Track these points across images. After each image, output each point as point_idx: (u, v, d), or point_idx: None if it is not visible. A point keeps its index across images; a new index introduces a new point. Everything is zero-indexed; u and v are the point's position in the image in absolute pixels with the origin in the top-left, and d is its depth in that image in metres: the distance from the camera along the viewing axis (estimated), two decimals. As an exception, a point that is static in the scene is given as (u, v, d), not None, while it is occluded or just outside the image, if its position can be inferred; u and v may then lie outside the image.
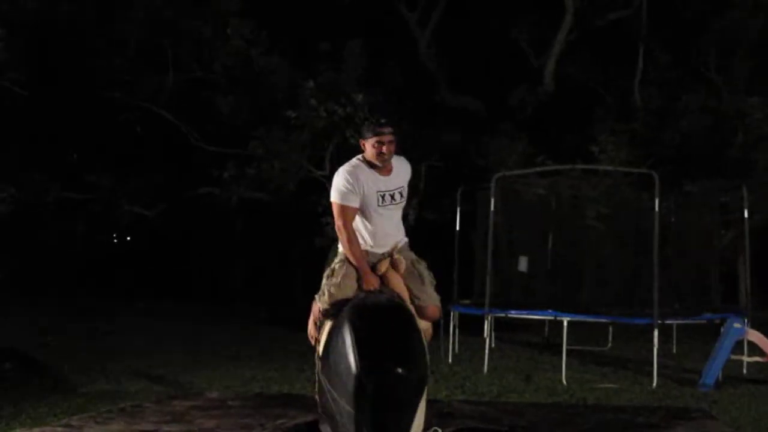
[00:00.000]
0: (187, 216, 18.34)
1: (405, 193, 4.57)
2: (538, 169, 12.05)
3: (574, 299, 10.50)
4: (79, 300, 17.92)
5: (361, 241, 4.47)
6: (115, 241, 26.32)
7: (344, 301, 4.24)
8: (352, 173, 4.38)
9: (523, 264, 11.30)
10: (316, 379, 4.31)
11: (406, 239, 4.70)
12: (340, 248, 4.53)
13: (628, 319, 9.84)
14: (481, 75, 15.96)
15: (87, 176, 14.27)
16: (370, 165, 4.41)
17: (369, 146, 4.39)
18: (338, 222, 4.42)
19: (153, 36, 13.37)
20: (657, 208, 9.06)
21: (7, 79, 12.48)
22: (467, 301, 10.85)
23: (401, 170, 4.57)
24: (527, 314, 10.06)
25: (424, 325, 4.50)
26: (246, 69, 13.65)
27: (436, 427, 4.15)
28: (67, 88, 13.76)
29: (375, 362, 3.63)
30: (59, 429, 4.99)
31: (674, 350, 11.04)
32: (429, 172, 14.17)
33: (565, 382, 8.64)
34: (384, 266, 4.50)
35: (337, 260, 4.51)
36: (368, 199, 4.41)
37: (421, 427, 3.92)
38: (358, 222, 4.49)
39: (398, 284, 4.50)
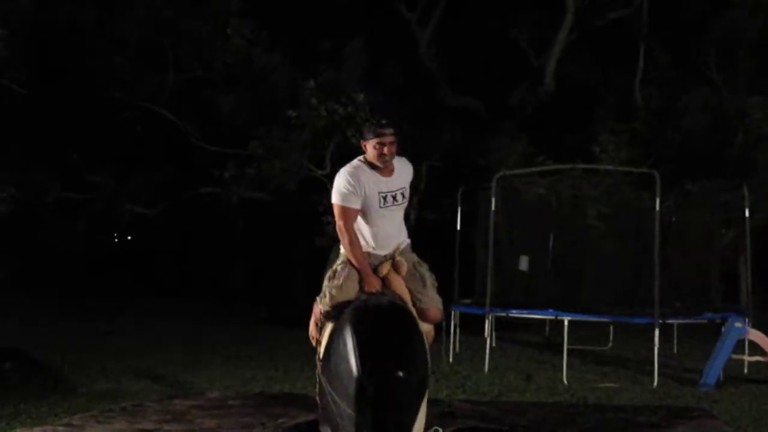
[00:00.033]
0: (188, 216, 18.35)
1: (407, 194, 4.55)
2: (538, 168, 12.05)
3: (574, 299, 10.49)
4: (80, 299, 17.91)
5: (362, 242, 4.45)
6: (116, 240, 26.33)
7: (345, 303, 4.21)
8: (353, 174, 4.36)
9: (523, 263, 11.30)
10: (317, 380, 4.30)
11: (408, 241, 4.67)
12: (342, 249, 4.50)
13: (629, 318, 9.84)
14: (482, 75, 15.95)
15: (87, 176, 14.28)
16: (372, 166, 4.39)
17: (370, 147, 4.37)
18: (339, 223, 4.39)
19: (153, 36, 13.37)
20: (658, 208, 9.05)
21: (7, 78, 12.48)
22: (468, 301, 10.85)
23: (403, 171, 4.55)
24: (528, 314, 10.06)
25: (426, 328, 4.48)
26: (246, 68, 13.65)
27: (436, 427, 4.14)
28: (67, 87, 13.77)
29: (376, 365, 3.61)
30: (60, 428, 5.00)
31: (675, 350, 11.03)
32: (429, 171, 14.18)
33: (566, 382, 8.64)
34: (386, 268, 4.48)
35: (338, 262, 4.48)
36: (370, 201, 4.39)
37: (422, 429, 3.91)
38: (359, 223, 4.46)
39: (400, 286, 4.48)
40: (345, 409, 3.66)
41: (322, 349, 4.31)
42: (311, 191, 13.60)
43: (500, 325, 11.20)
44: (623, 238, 11.44)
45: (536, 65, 16.05)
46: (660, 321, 8.92)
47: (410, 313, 4.29)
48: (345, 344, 3.73)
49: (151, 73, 13.66)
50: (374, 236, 4.49)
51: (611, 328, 11.76)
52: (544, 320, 11.01)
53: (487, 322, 9.63)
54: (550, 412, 5.96)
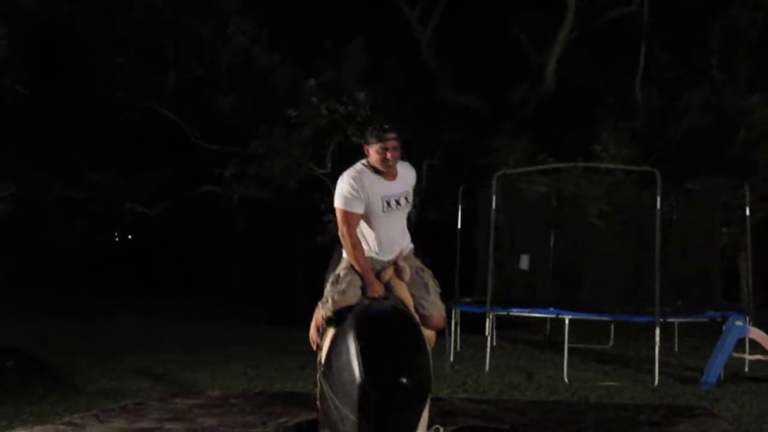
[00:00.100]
0: (189, 215, 18.35)
1: (410, 199, 4.50)
2: (539, 167, 12.05)
3: (575, 297, 10.50)
4: (80, 299, 17.93)
5: (365, 247, 4.41)
6: (117, 240, 26.35)
7: (348, 308, 4.16)
8: (356, 178, 4.31)
9: (524, 262, 11.30)
10: (318, 385, 4.29)
11: (411, 246, 4.64)
12: (344, 254, 4.46)
13: (630, 317, 9.84)
14: (483, 73, 15.93)
15: (88, 175, 14.29)
16: (375, 170, 4.34)
17: (373, 152, 4.32)
18: (342, 228, 4.34)
19: (154, 35, 13.37)
20: (658, 206, 9.06)
21: (8, 78, 12.48)
22: (469, 299, 10.85)
23: (406, 175, 4.50)
24: (529, 312, 10.07)
25: (428, 334, 4.43)
26: (247, 67, 13.66)
27: (437, 426, 4.13)
28: (68, 87, 13.78)
29: (379, 371, 3.58)
30: (61, 427, 4.99)
31: (676, 348, 11.03)
32: (430, 170, 14.17)
33: (566, 380, 8.64)
34: (388, 274, 4.45)
35: (342, 267, 4.43)
36: (373, 205, 4.34)
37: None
38: (362, 228, 4.41)
39: (403, 292, 4.45)
40: (347, 415, 3.63)
41: (323, 354, 4.27)
42: (312, 190, 13.60)
43: (501, 323, 11.20)
44: (624, 237, 11.45)
45: (537, 64, 16.04)
46: (661, 319, 8.93)
47: (413, 318, 4.24)
48: (348, 350, 3.70)
49: (152, 73, 13.66)
50: (377, 241, 4.44)
51: (612, 326, 11.77)
52: (544, 319, 11.01)
53: (487, 320, 9.63)
54: (551, 411, 5.96)
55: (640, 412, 5.84)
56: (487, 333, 9.62)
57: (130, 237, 26.47)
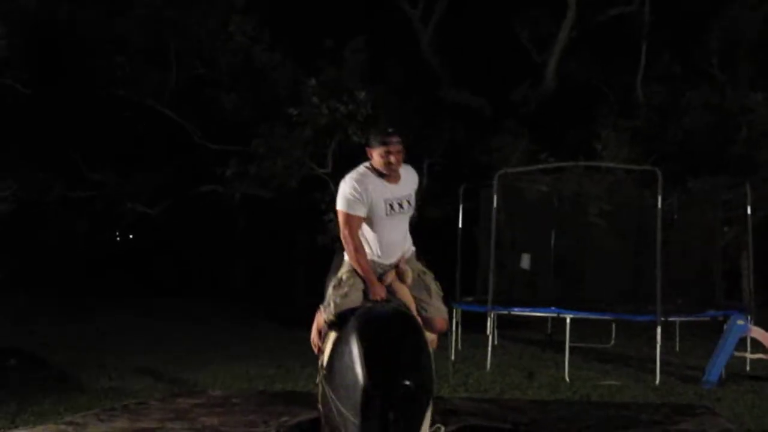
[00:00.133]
0: (190, 214, 18.35)
1: (412, 202, 4.49)
2: (540, 166, 12.05)
3: (576, 296, 10.50)
4: (82, 299, 17.91)
5: (367, 250, 4.39)
6: (118, 239, 26.36)
7: (350, 311, 4.14)
8: (359, 181, 4.29)
9: (525, 261, 11.30)
10: (320, 388, 4.28)
11: (413, 249, 4.63)
12: (346, 258, 4.44)
13: (631, 316, 9.83)
14: (484, 72, 15.94)
15: (89, 174, 14.30)
16: (378, 173, 4.33)
17: (376, 155, 4.30)
18: (344, 231, 4.32)
19: (154, 34, 13.38)
20: (660, 205, 9.05)
21: (9, 77, 12.49)
22: (470, 299, 10.85)
23: (408, 179, 4.49)
24: (530, 311, 10.07)
25: (430, 336, 4.43)
26: (248, 66, 13.66)
27: (439, 425, 4.12)
28: (69, 86, 13.78)
29: (383, 374, 3.57)
30: (63, 427, 4.99)
31: (677, 347, 11.02)
32: (431, 169, 14.17)
33: (568, 379, 8.64)
34: (390, 277, 4.44)
35: (344, 270, 4.41)
36: (376, 208, 4.32)
37: None
38: (364, 231, 4.40)
39: (405, 295, 4.44)
40: (349, 418, 3.61)
41: (325, 358, 4.26)
42: (313, 189, 13.60)
43: (502, 322, 11.20)
44: (625, 236, 11.45)
45: (538, 63, 16.05)
46: (662, 318, 8.92)
47: (415, 320, 4.22)
48: (350, 352, 3.68)
49: (153, 72, 13.67)
50: (379, 244, 4.43)
51: (613, 325, 11.76)
52: (546, 318, 11.00)
53: (489, 319, 9.63)
54: (553, 410, 5.95)
55: (642, 411, 5.84)
56: (488, 332, 9.62)
57: (131, 237, 26.47)
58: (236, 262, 22.26)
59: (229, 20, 13.27)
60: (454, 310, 10.24)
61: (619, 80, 15.52)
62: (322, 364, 4.32)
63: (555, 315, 9.74)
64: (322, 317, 4.41)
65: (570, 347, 9.09)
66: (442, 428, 4.39)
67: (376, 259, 4.43)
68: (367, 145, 4.38)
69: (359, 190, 4.27)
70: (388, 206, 4.35)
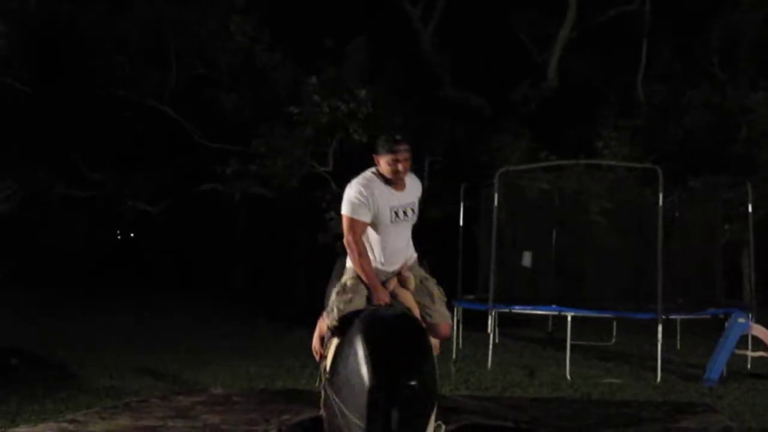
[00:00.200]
0: (191, 213, 18.36)
1: (416, 210, 4.50)
2: (541, 164, 12.04)
3: (577, 294, 10.48)
4: (83, 297, 17.93)
5: (371, 257, 4.38)
6: (119, 238, 26.38)
7: (353, 315, 4.13)
8: (366, 186, 4.29)
9: (526, 259, 11.29)
10: (322, 393, 4.28)
11: (415, 255, 4.63)
12: (349, 263, 4.44)
13: (632, 314, 9.82)
14: (484, 71, 15.95)
15: (90, 174, 14.31)
16: (385, 179, 4.33)
17: (384, 162, 4.29)
18: (348, 237, 4.31)
19: (155, 34, 13.38)
20: (661, 204, 9.04)
21: (9, 76, 12.49)
22: (471, 297, 10.84)
23: (413, 186, 4.50)
24: (531, 309, 10.06)
25: (434, 342, 4.41)
26: (248, 66, 13.66)
27: (439, 422, 4.12)
28: (69, 85, 13.79)
29: (388, 375, 3.56)
30: (64, 425, 4.99)
31: (678, 345, 11.02)
32: (432, 168, 14.18)
33: (569, 377, 8.64)
34: (393, 283, 4.44)
35: (347, 276, 4.40)
36: (381, 215, 4.32)
37: None
38: (369, 238, 4.39)
39: (408, 300, 4.44)
40: (354, 421, 3.61)
41: (328, 363, 4.25)
42: (314, 188, 13.61)
43: (503, 321, 11.20)
44: (626, 234, 11.44)
45: (538, 62, 16.05)
46: (663, 316, 8.91)
47: (419, 323, 4.24)
48: (355, 354, 3.67)
49: (153, 71, 13.67)
50: (383, 251, 4.42)
51: (614, 323, 11.76)
52: (547, 316, 11.01)
53: (490, 318, 9.63)
54: (554, 408, 5.96)
55: (643, 409, 5.85)
56: (489, 330, 9.61)
57: (132, 236, 26.50)
58: (237, 261, 22.28)
59: (229, 20, 13.28)
60: (456, 309, 10.21)
61: (619, 79, 15.52)
62: (324, 369, 4.31)
63: (556, 313, 9.74)
64: (324, 323, 4.41)
65: (571, 345, 9.09)
66: (443, 426, 4.39)
67: (379, 266, 4.43)
68: (374, 152, 4.36)
69: (365, 195, 4.27)
70: (393, 213, 4.36)
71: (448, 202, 12.97)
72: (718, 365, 8.58)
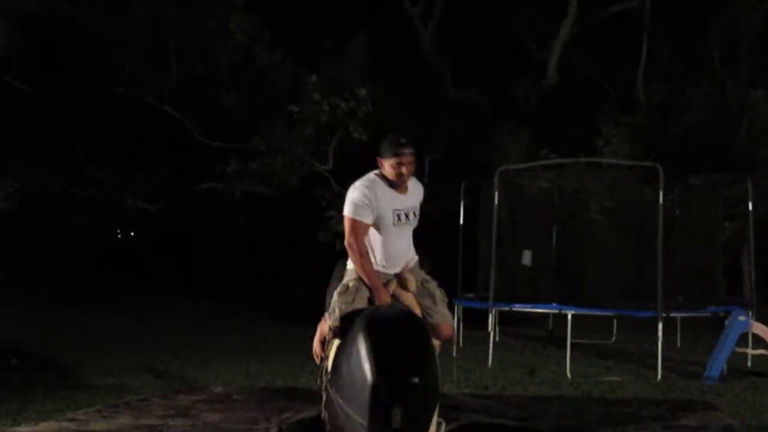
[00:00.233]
0: (191, 211, 18.36)
1: (417, 214, 4.52)
2: (541, 162, 12.04)
3: (578, 293, 10.48)
4: (83, 296, 17.94)
5: (372, 260, 4.39)
6: (119, 236, 26.38)
7: (355, 314, 4.11)
8: (370, 188, 4.30)
9: (527, 258, 11.29)
10: (324, 396, 4.28)
11: (416, 258, 4.65)
12: (350, 265, 4.45)
13: (632, 312, 9.82)
14: (484, 69, 15.94)
15: (90, 172, 14.31)
16: (388, 182, 4.34)
17: (388, 165, 4.30)
18: (349, 238, 4.31)
19: (155, 33, 13.38)
20: (661, 202, 9.04)
21: (9, 75, 12.49)
22: (471, 295, 10.84)
23: (415, 190, 4.52)
24: (531, 308, 10.06)
25: (435, 343, 4.43)
26: (248, 64, 13.66)
27: (440, 419, 4.11)
28: (70, 84, 13.79)
29: (391, 370, 3.56)
30: (65, 423, 4.99)
31: (678, 343, 11.02)
32: (432, 166, 14.17)
33: (569, 376, 8.64)
34: (393, 285, 4.45)
35: (349, 278, 4.41)
36: (384, 218, 4.34)
37: None
38: (371, 240, 4.40)
39: (410, 301, 4.45)
40: (357, 420, 3.60)
41: (329, 363, 4.25)
42: (314, 186, 13.61)
43: (504, 319, 11.20)
44: (626, 232, 11.43)
45: (539, 59, 16.03)
46: (663, 314, 8.91)
47: (421, 320, 4.25)
48: (358, 350, 3.65)
49: (153, 70, 13.67)
50: (384, 254, 4.43)
51: (615, 321, 11.76)
52: (547, 314, 11.01)
53: (490, 316, 9.63)
54: (554, 406, 5.95)
55: (643, 407, 5.84)
56: (489, 329, 9.62)
57: (132, 234, 26.50)
58: (237, 259, 22.28)
59: (229, 18, 13.27)
60: (456, 307, 10.22)
61: (620, 77, 15.51)
62: (326, 370, 4.30)
63: (556, 311, 9.74)
64: (326, 324, 4.41)
65: (571, 343, 9.08)
66: (443, 424, 4.39)
67: (380, 268, 4.43)
68: (378, 154, 4.36)
69: (369, 196, 4.28)
70: (396, 216, 4.37)
71: (448, 200, 12.98)
72: (718, 363, 8.58)
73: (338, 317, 4.22)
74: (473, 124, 14.72)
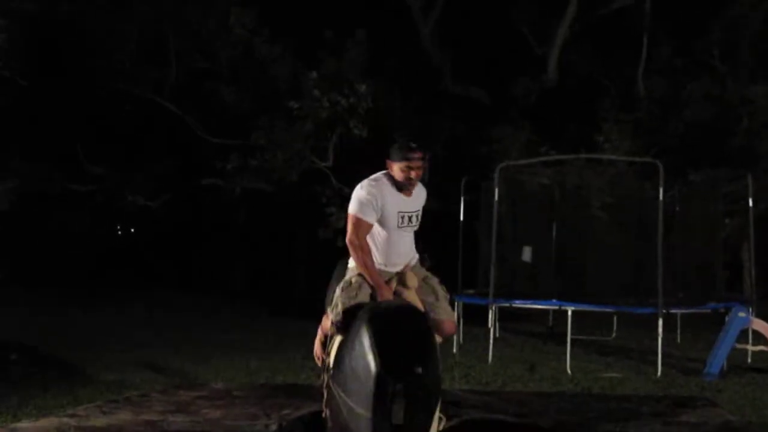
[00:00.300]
0: (191, 207, 18.36)
1: (420, 217, 4.56)
2: (542, 158, 12.03)
3: (578, 289, 10.49)
4: (83, 292, 17.94)
5: (373, 258, 4.42)
6: (119, 233, 26.39)
7: (357, 308, 4.15)
8: (377, 188, 4.34)
9: (527, 254, 11.29)
10: (325, 393, 4.28)
11: (417, 256, 4.67)
12: (351, 264, 4.48)
13: (633, 308, 9.83)
14: (485, 65, 15.92)
15: (90, 168, 14.30)
16: (395, 184, 4.37)
17: (397, 169, 4.33)
18: (351, 237, 4.35)
19: (155, 28, 13.36)
20: (661, 198, 9.04)
21: (8, 70, 12.47)
22: (471, 291, 10.85)
23: (420, 194, 4.56)
24: (531, 304, 10.06)
25: (437, 339, 4.45)
26: (248, 60, 13.63)
27: (440, 415, 4.12)
28: (70, 80, 13.77)
29: (395, 361, 3.57)
30: (65, 419, 5.00)
31: (678, 339, 11.03)
32: (432, 162, 14.15)
33: (569, 372, 8.65)
34: (395, 283, 4.47)
35: (353, 274, 4.44)
36: (389, 219, 4.38)
37: None
38: (373, 240, 4.43)
39: (412, 297, 4.47)
40: (361, 413, 3.59)
41: (331, 360, 4.26)
42: (314, 182, 13.60)
43: (504, 315, 11.20)
44: (627, 228, 11.44)
45: (539, 55, 16.01)
46: (663, 311, 8.92)
47: (423, 313, 4.26)
48: (361, 343, 3.66)
49: (153, 65, 13.65)
50: (386, 254, 4.46)
51: (615, 318, 11.77)
52: (547, 310, 11.01)
53: (490, 312, 9.63)
54: (554, 402, 5.96)
55: (643, 404, 5.85)
56: (490, 325, 9.63)
57: (132, 230, 26.50)
58: (237, 256, 22.28)
59: (229, 13, 13.25)
60: (456, 303, 10.21)
61: (620, 73, 15.48)
62: (328, 366, 4.31)
63: (556, 307, 9.73)
64: (328, 321, 4.43)
65: (571, 340, 9.09)
66: (444, 420, 4.40)
67: (382, 268, 4.46)
68: (388, 157, 4.39)
69: (375, 195, 4.31)
70: (401, 218, 4.41)
71: (448, 196, 12.97)
72: (718, 359, 8.59)
73: (341, 312, 4.24)
74: (473, 121, 14.71)
